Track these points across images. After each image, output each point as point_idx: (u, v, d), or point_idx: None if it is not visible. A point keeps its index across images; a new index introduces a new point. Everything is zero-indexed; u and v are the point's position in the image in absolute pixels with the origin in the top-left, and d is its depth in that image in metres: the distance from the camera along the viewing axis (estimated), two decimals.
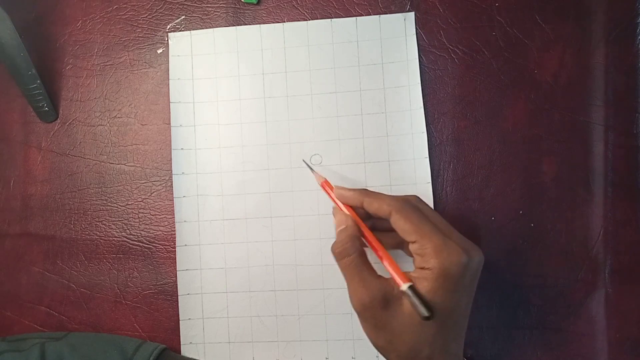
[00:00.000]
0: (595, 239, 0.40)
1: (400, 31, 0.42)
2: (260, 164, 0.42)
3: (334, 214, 0.38)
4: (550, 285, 0.40)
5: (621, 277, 0.40)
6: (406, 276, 0.31)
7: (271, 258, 0.42)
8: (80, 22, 0.45)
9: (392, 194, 0.34)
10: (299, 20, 0.43)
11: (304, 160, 0.42)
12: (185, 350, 0.42)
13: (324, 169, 0.42)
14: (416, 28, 0.42)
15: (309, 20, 0.43)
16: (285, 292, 0.42)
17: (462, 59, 0.41)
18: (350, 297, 0.32)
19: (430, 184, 0.41)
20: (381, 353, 0.33)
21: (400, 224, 0.32)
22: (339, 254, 0.33)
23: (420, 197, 0.35)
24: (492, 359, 0.40)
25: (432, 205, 0.41)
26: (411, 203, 0.33)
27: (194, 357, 0.42)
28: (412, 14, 0.42)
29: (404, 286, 0.30)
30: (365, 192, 0.35)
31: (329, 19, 0.43)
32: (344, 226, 0.34)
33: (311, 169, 0.41)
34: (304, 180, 0.42)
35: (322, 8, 0.43)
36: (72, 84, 0.45)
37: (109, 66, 0.44)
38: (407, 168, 0.41)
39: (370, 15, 0.42)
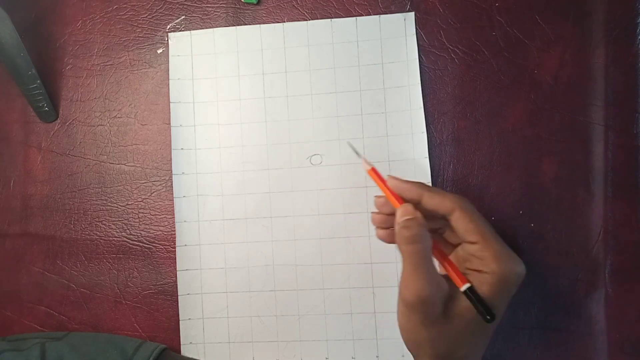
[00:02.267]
0: (595, 239, 0.40)
1: (400, 31, 0.42)
2: (260, 164, 0.42)
3: (376, 205, 0.35)
4: (550, 285, 0.40)
5: (621, 277, 0.40)
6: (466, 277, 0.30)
7: (271, 258, 0.42)
8: (80, 22, 0.45)
9: None
10: (299, 20, 0.43)
11: (348, 143, 0.40)
12: (185, 350, 0.42)
13: (323, 169, 0.42)
14: (416, 28, 0.42)
15: (309, 20, 0.43)
16: (285, 292, 0.42)
17: (462, 59, 0.41)
18: (406, 286, 0.29)
19: (430, 184, 0.41)
20: (411, 349, 0.32)
21: (464, 223, 0.30)
22: (409, 237, 0.30)
23: None
24: (492, 359, 0.40)
25: None
26: (471, 203, 0.32)
27: (194, 357, 0.42)
28: (412, 14, 0.42)
29: (465, 287, 0.30)
30: (424, 185, 0.32)
31: (329, 19, 0.43)
32: (411, 216, 0.31)
33: (358, 154, 0.36)
34: (304, 180, 0.42)
35: (322, 8, 0.43)
36: (72, 84, 0.45)
37: (109, 66, 0.44)
38: (407, 168, 0.41)
39: (370, 15, 0.42)
